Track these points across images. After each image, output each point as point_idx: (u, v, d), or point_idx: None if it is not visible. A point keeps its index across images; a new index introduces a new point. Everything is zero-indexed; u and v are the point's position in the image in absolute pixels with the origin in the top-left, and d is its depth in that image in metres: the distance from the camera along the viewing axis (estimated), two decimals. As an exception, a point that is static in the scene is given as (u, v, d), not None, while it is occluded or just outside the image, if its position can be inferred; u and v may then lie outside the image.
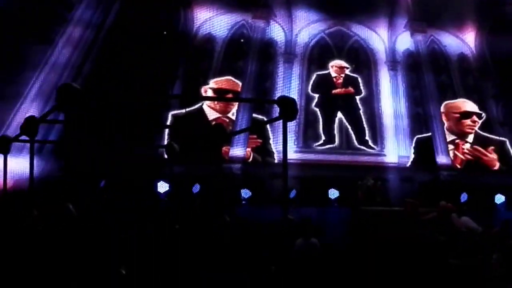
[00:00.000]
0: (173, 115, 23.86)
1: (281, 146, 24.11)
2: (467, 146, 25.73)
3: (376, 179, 22.32)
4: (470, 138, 25.86)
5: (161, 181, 19.57)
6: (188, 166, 20.94)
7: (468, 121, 26.08)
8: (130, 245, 10.14)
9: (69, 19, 22.96)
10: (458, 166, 25.32)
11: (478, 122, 25.96)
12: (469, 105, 26.06)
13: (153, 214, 12.09)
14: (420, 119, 25.76)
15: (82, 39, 22.86)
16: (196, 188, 20.08)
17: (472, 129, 25.93)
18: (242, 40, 25.40)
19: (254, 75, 25.00)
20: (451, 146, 25.54)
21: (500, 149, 25.74)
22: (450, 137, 25.67)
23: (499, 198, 21.75)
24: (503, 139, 25.81)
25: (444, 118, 25.66)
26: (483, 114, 25.95)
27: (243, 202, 20.47)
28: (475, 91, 26.46)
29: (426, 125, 25.62)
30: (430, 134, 25.39)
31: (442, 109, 25.70)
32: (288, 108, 7.70)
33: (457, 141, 25.80)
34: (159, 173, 19.87)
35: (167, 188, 19.27)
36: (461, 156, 25.61)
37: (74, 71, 22.18)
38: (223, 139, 23.62)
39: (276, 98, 7.68)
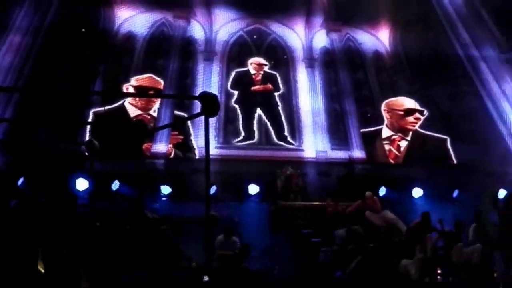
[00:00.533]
0: (94, 112, 23.57)
1: (202, 142, 23.67)
2: (405, 143, 26.13)
3: (296, 168, 22.69)
4: (408, 135, 26.29)
5: (81, 178, 19.01)
6: (109, 163, 20.36)
7: (411, 118, 26.32)
8: (48, 243, 9.41)
9: (10, 26, 22.84)
10: (392, 162, 25.65)
11: (421, 119, 26.22)
12: (411, 103, 26.38)
13: (70, 212, 11.49)
14: (337, 115, 25.90)
15: (22, 43, 22.95)
16: (116, 185, 19.59)
17: (414, 126, 26.20)
18: (162, 37, 25.52)
19: (175, 72, 24.90)
20: (386, 142, 25.96)
21: (442, 146, 25.93)
22: (389, 133, 26.09)
23: (417, 192, 21.71)
24: (445, 137, 25.97)
25: (386, 115, 26.14)
26: (425, 111, 26.17)
27: (164, 198, 20.05)
28: (389, 88, 26.80)
29: (343, 121, 25.72)
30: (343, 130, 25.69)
31: (383, 106, 26.16)
32: (209, 104, 7.75)
33: (393, 137, 26.08)
34: (80, 170, 19.33)
35: (87, 186, 18.73)
36: (396, 152, 25.90)
37: (16, 74, 22.24)
38: (144, 135, 23.22)
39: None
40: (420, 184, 22.06)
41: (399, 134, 25.85)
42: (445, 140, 25.70)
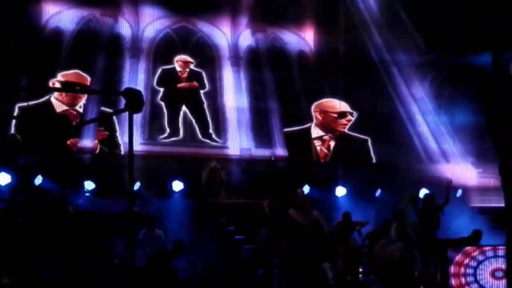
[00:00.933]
0: (19, 107, 23.35)
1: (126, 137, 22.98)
2: (333, 143, 26.51)
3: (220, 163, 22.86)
4: (338, 136, 26.68)
5: (3, 172, 18.60)
6: (33, 157, 20.71)
7: (343, 120, 26.70)
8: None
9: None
10: (322, 161, 26.12)
11: (352, 120, 26.61)
12: (343, 105, 26.71)
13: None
14: (261, 114, 26.09)
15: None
16: (39, 180, 19.19)
17: (345, 127, 26.67)
18: (89, 33, 25.30)
19: (101, 69, 24.71)
20: (317, 142, 26.40)
21: (363, 146, 26.50)
22: (319, 133, 26.46)
23: (340, 191, 21.75)
24: (366, 137, 26.55)
25: (317, 116, 26.53)
26: (354, 113, 26.58)
27: (87, 194, 19.77)
28: (313, 87, 26.97)
29: (267, 119, 25.99)
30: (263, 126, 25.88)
31: (314, 107, 26.55)
32: (134, 99, 7.27)
33: (325, 137, 26.52)
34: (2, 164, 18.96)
35: (9, 180, 18.30)
36: (326, 151, 26.37)
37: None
38: (68, 130, 22.77)
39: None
40: (343, 183, 22.05)
41: (329, 135, 26.39)
42: (366, 140, 26.23)
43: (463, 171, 25.75)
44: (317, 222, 17.77)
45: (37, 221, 14.50)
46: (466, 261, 17.92)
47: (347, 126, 26.58)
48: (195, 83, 25.99)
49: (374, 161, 26.24)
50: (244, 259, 18.51)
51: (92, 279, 13.64)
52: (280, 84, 26.59)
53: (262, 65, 26.62)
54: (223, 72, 26.33)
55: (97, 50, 24.96)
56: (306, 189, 21.93)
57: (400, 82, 26.92)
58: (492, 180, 23.75)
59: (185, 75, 26.01)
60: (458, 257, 17.93)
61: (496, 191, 20.79)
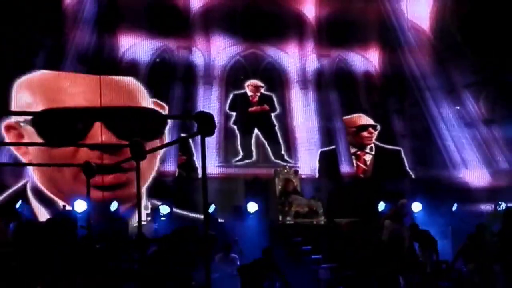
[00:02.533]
0: None
1: (208, 160, 21.81)
2: (369, 157, 25.95)
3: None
4: (370, 149, 26.03)
5: (78, 200, 17.82)
6: None
7: (365, 133, 26.04)
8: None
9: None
10: (362, 176, 25.64)
11: (375, 134, 26.02)
12: (364, 119, 26.19)
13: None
14: (329, 133, 25.72)
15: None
16: (114, 206, 18.32)
17: (370, 140, 26.00)
18: (164, 63, 24.72)
19: (177, 97, 24.33)
20: (353, 157, 25.83)
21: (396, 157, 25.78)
22: (352, 150, 25.89)
23: (417, 206, 20.31)
24: (398, 148, 25.91)
25: (346, 132, 25.92)
26: (378, 126, 26.07)
27: (163, 218, 18.71)
28: (379, 106, 26.48)
29: (334, 139, 25.78)
30: (334, 146, 25.47)
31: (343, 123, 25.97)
32: (205, 123, 6.91)
33: (358, 152, 25.92)
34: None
35: (85, 207, 17.44)
36: (363, 166, 25.79)
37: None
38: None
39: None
40: (420, 199, 20.58)
41: (361, 150, 25.98)
42: (399, 151, 25.99)
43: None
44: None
45: (115, 248, 13.41)
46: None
47: (372, 139, 26.01)
48: (266, 107, 25.55)
49: (410, 173, 25.66)
50: (321, 278, 17.13)
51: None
52: (347, 105, 26.13)
53: (329, 87, 26.13)
54: (292, 94, 25.84)
55: (172, 79, 24.58)
56: (382, 205, 20.56)
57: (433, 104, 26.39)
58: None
59: (256, 99, 25.57)
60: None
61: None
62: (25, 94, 21.81)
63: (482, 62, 25.70)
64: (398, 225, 17.29)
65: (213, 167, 23.52)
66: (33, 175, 21.66)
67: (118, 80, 23.37)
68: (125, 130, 21.24)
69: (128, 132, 20.85)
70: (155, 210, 20.14)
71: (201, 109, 23.94)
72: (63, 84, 22.41)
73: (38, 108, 21.34)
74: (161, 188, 22.51)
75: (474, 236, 16.58)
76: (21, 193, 21.09)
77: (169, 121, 23.74)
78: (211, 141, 23.42)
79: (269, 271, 15.79)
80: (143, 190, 21.21)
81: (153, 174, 22.55)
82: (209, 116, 6.92)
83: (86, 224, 11.50)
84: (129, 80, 23.42)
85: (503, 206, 19.92)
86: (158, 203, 21.00)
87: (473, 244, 16.50)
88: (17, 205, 19.54)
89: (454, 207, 21.44)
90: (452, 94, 26.32)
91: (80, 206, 18.23)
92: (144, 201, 21.09)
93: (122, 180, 21.25)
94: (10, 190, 21.15)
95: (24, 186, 21.51)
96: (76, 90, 22.37)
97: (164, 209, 20.25)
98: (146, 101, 23.25)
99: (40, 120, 20.97)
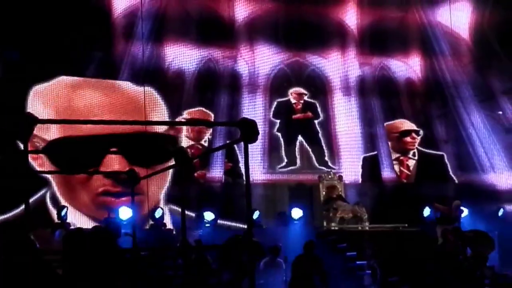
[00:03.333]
0: None
1: (253, 167, 21.01)
2: (412, 162, 25.42)
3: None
4: (412, 154, 25.49)
5: (123, 207, 17.48)
6: None
7: (408, 139, 25.57)
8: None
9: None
10: (405, 181, 25.19)
11: (417, 139, 25.57)
12: (407, 124, 25.79)
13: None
14: (372, 139, 25.28)
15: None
16: (159, 213, 17.94)
17: (413, 145, 25.53)
18: (209, 72, 24.36)
19: (223, 105, 24.11)
20: (396, 163, 25.31)
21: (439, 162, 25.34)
22: (394, 155, 25.40)
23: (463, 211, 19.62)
24: (441, 153, 25.40)
25: (388, 138, 25.50)
26: (421, 131, 25.65)
27: (207, 225, 18.31)
28: (421, 113, 26.02)
29: (377, 145, 25.29)
30: (376, 152, 24.99)
31: (385, 129, 25.63)
32: (248, 130, 6.75)
33: (401, 158, 25.45)
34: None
35: (131, 214, 16.98)
36: (406, 171, 25.29)
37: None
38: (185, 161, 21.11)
39: (239, 123, 7.17)
40: (465, 204, 19.86)
41: (404, 155, 25.46)
42: (442, 156, 25.43)
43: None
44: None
45: (159, 255, 12.95)
46: None
47: (415, 144, 25.52)
48: (310, 114, 25.17)
49: (454, 177, 25.13)
50: (367, 284, 16.50)
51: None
52: (389, 111, 25.79)
53: (371, 93, 25.72)
54: (335, 101, 25.47)
55: (217, 87, 24.38)
56: (427, 211, 19.88)
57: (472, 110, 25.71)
58: None
59: (299, 106, 25.21)
60: None
61: None
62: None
63: None
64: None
65: (258, 174, 23.28)
66: (53, 185, 21.22)
67: (125, 89, 22.76)
68: (138, 156, 20.85)
69: (141, 158, 20.59)
70: (199, 217, 19.60)
71: (247, 117, 23.45)
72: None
73: (50, 116, 20.86)
74: (207, 195, 22.25)
75: None
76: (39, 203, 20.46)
77: (217, 129, 23.57)
78: (256, 148, 23.16)
79: (312, 264, 15.25)
80: (161, 196, 21.42)
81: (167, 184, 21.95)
82: (252, 123, 6.76)
83: (131, 231, 11.17)
84: (138, 89, 22.70)
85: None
86: (177, 208, 20.26)
87: None
88: (62, 213, 19.06)
89: (501, 212, 20.66)
90: (491, 101, 25.84)
91: (125, 213, 17.85)
92: (162, 205, 21.06)
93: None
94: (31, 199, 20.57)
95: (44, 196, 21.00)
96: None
97: (209, 216, 19.87)
98: (158, 112, 22.69)
99: (51, 148, 20.65)
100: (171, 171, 20.77)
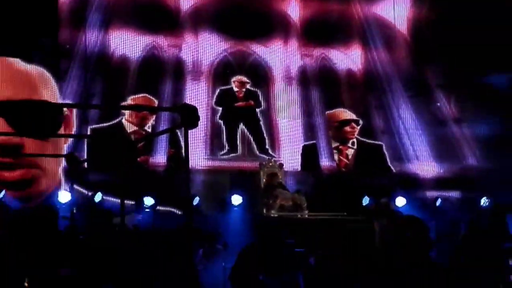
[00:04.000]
0: (92, 129, 22.37)
1: (192, 154, 20.65)
2: (351, 151, 25.22)
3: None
4: (352, 143, 25.29)
5: (63, 190, 16.87)
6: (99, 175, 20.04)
7: (347, 128, 25.38)
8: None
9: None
10: (344, 170, 24.94)
11: (357, 128, 25.43)
12: (347, 114, 25.62)
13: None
14: (312, 128, 25.04)
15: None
16: (99, 196, 17.41)
17: (353, 135, 25.38)
18: (153, 59, 24.03)
19: (167, 92, 23.85)
20: (335, 152, 25.07)
21: (378, 151, 25.27)
22: (334, 144, 25.19)
23: (401, 201, 19.52)
24: (380, 143, 25.32)
25: (327, 127, 25.30)
26: (360, 121, 25.51)
27: (147, 210, 17.89)
28: (361, 103, 25.81)
29: (316, 134, 25.05)
30: (315, 141, 24.72)
31: (325, 118, 25.47)
32: (188, 115, 6.57)
33: (340, 147, 25.21)
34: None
35: (69, 198, 16.48)
36: (345, 160, 25.07)
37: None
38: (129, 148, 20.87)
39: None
40: (403, 193, 19.89)
41: (343, 144, 25.21)
42: (381, 146, 25.26)
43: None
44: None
45: (98, 240, 12.37)
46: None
47: (355, 134, 25.37)
48: (251, 102, 24.94)
49: (391, 167, 25.02)
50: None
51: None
52: (329, 101, 25.56)
53: (312, 83, 25.52)
54: (276, 91, 25.30)
55: (161, 75, 24.08)
56: (366, 200, 19.74)
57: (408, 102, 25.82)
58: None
59: (241, 94, 25.00)
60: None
61: None
62: None
63: (453, 65, 25.36)
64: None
65: (199, 160, 23.09)
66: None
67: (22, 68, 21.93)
68: (25, 125, 19.96)
69: (28, 127, 19.84)
70: (139, 201, 19.18)
71: (186, 102, 23.28)
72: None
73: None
74: (149, 180, 21.74)
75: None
76: None
77: (160, 116, 23.17)
78: (198, 135, 23.01)
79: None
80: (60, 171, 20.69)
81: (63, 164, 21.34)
82: (192, 108, 6.59)
83: (70, 215, 10.69)
84: (34, 68, 21.93)
85: (487, 202, 19.09)
86: (83, 190, 20.10)
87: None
88: (1, 195, 18.37)
89: (438, 202, 20.58)
90: (426, 94, 26.07)
91: (64, 197, 17.33)
92: (63, 186, 20.49)
93: (28, 177, 20.18)
94: None
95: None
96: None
97: (149, 201, 19.60)
98: (52, 92, 22.07)
99: None
100: (65, 146, 20.75)
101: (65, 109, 21.48)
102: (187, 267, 12.84)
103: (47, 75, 22.10)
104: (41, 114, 20.70)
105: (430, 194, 23.03)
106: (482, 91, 25.27)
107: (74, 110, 22.05)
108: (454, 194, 22.88)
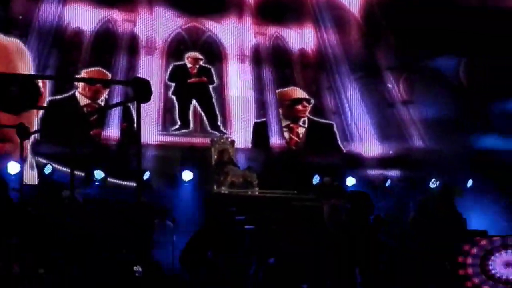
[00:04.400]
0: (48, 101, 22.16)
1: (144, 129, 20.26)
2: (302, 130, 25.06)
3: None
4: (303, 122, 25.17)
5: (12, 162, 16.58)
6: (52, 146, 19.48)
7: (299, 107, 25.21)
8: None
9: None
10: (294, 148, 24.84)
11: (308, 107, 25.27)
12: (299, 92, 25.43)
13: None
14: (264, 106, 24.85)
15: None
16: (48, 169, 17.02)
17: (304, 113, 25.22)
18: (108, 33, 23.61)
19: (121, 67, 23.50)
20: (286, 130, 24.91)
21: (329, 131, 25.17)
22: (285, 122, 25.04)
23: (351, 181, 19.45)
24: (331, 122, 25.18)
25: (279, 106, 25.11)
26: (312, 100, 25.38)
27: (97, 183, 17.54)
28: (313, 83, 25.64)
29: (268, 112, 24.90)
30: (265, 119, 24.61)
31: (276, 97, 25.28)
32: (141, 89, 6.33)
33: (291, 125, 25.08)
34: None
35: (19, 169, 16.19)
36: (296, 139, 24.94)
37: None
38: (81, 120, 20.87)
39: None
40: (352, 173, 19.76)
41: (294, 122, 24.97)
42: (332, 125, 25.12)
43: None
44: None
45: (47, 211, 12.06)
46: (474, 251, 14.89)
47: (306, 112, 25.18)
48: (204, 79, 24.72)
49: (341, 147, 25.00)
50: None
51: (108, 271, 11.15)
52: (281, 80, 25.38)
53: (265, 62, 25.32)
54: (229, 68, 25.08)
55: (115, 49, 23.70)
56: (316, 179, 19.59)
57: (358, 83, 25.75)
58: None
59: (195, 71, 24.71)
60: (466, 247, 14.88)
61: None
62: None
63: (403, 48, 25.47)
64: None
65: (151, 135, 22.81)
66: None
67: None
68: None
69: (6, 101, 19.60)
70: (89, 175, 18.85)
71: (139, 76, 23.02)
72: None
73: None
74: (100, 153, 21.52)
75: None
76: None
77: (114, 90, 22.81)
78: (150, 110, 22.83)
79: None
80: (28, 147, 20.35)
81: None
82: (145, 82, 6.38)
83: (19, 187, 10.44)
84: (11, 41, 21.85)
85: (437, 183, 19.12)
86: (45, 161, 19.90)
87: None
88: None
89: (388, 183, 20.49)
90: (376, 76, 25.99)
91: (13, 168, 16.92)
92: (29, 158, 20.37)
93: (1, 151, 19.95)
94: None
95: None
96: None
97: (99, 175, 19.44)
98: (27, 65, 21.83)
99: None
100: (36, 120, 20.46)
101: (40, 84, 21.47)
102: (140, 241, 12.60)
103: (22, 46, 21.77)
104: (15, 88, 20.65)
105: (376, 173, 23.02)
106: (431, 74, 25.49)
107: (47, 84, 21.74)
108: (398, 174, 23.09)
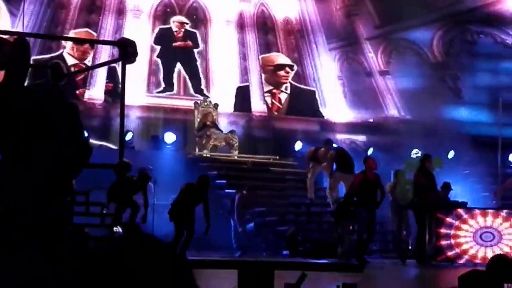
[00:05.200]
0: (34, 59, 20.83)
1: (128, 90, 19.32)
2: (284, 96, 24.63)
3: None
4: (285, 88, 24.71)
5: None
6: None
7: (282, 72, 24.87)
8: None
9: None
10: (276, 113, 24.47)
11: (291, 73, 24.91)
12: (282, 58, 25.13)
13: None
14: (247, 71, 24.36)
15: None
16: None
17: (286, 79, 24.82)
18: None
19: (108, 29, 23.13)
20: (268, 95, 24.49)
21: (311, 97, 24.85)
22: (267, 88, 24.55)
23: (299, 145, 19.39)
24: (313, 89, 24.77)
25: (261, 71, 24.70)
26: (295, 66, 25.07)
27: None
28: (296, 50, 25.18)
29: (251, 77, 24.50)
30: (248, 83, 24.10)
31: (259, 62, 24.94)
32: (127, 49, 6.14)
33: (274, 91, 24.77)
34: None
35: None
36: (278, 104, 24.56)
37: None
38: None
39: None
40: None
41: (276, 88, 24.60)
42: (314, 92, 24.62)
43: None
44: None
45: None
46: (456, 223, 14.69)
47: (288, 79, 24.81)
48: (190, 43, 24.43)
49: (323, 113, 24.49)
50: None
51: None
52: (266, 46, 24.93)
53: (249, 28, 24.82)
54: (215, 33, 24.61)
55: (103, 11, 23.21)
56: (299, 145, 19.05)
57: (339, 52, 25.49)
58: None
59: (180, 35, 24.39)
60: (447, 219, 14.63)
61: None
62: None
63: (383, 19, 25.28)
64: None
65: (136, 96, 22.00)
66: None
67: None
68: None
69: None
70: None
71: (125, 37, 22.59)
72: None
73: None
74: (87, 113, 20.71)
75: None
76: None
77: (100, 50, 22.24)
78: (136, 71, 22.29)
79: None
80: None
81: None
82: (132, 43, 6.34)
83: None
84: None
85: (418, 154, 18.60)
86: None
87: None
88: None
89: (370, 151, 19.84)
90: (355, 45, 25.71)
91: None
92: None
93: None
94: None
95: None
96: None
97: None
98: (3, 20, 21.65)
99: None
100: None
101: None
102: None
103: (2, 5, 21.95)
104: None
105: (347, 138, 22.58)
106: (408, 45, 25.28)
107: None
108: (368, 139, 22.67)
